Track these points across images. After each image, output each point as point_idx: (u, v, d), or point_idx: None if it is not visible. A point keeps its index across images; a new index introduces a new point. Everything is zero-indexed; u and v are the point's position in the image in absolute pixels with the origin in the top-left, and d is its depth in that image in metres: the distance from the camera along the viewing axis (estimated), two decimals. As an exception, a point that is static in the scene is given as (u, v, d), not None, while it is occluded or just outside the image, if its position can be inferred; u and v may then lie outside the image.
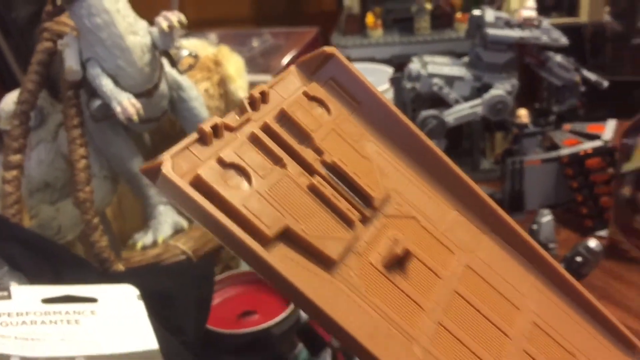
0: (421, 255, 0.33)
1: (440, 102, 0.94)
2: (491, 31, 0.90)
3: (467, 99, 0.93)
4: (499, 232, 0.37)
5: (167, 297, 0.68)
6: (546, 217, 0.87)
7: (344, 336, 0.28)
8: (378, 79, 1.09)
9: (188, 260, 0.76)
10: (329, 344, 0.71)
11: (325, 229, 0.30)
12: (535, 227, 0.86)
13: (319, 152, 0.34)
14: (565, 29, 0.96)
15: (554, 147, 0.97)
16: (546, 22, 0.93)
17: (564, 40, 0.90)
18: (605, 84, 0.94)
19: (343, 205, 0.32)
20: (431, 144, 0.38)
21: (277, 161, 0.32)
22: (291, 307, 0.71)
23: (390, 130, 0.38)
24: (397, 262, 0.32)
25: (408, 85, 0.94)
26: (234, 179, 0.29)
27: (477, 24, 0.93)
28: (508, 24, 0.91)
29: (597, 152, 0.91)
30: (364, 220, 0.33)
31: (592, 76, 0.93)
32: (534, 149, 0.97)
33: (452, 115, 0.90)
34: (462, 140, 1.11)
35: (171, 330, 0.64)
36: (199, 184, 0.28)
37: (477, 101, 0.91)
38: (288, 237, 0.29)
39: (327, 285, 0.29)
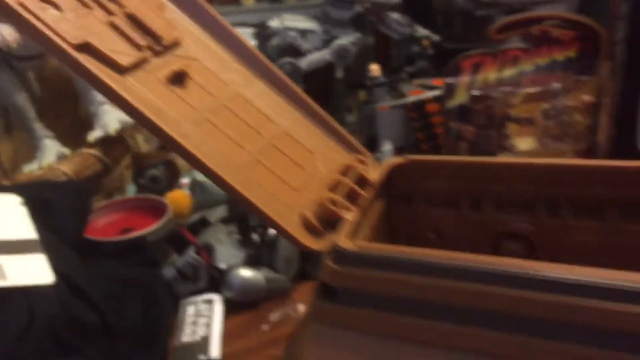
0: (199, 81, 0.46)
1: (299, 54, 1.08)
2: (335, -10, 1.06)
3: (318, 49, 1.08)
4: (267, 78, 0.51)
5: (48, 205, 0.77)
6: (387, 147, 1.03)
7: (135, 113, 0.40)
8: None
9: (69, 179, 0.85)
10: (193, 243, 0.82)
11: (119, 47, 0.43)
12: (378, 155, 1.02)
13: (122, 6, 0.46)
14: (418, 2, 1.12)
15: (403, 97, 1.13)
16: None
17: (396, -1, 1.07)
18: (436, 38, 1.11)
19: (135, 35, 0.44)
20: (220, 17, 0.51)
21: (86, 5, 0.44)
22: (163, 220, 0.82)
23: (187, 6, 0.51)
24: (178, 80, 0.45)
25: (273, 42, 1.08)
26: (49, 10, 0.41)
27: (326, -15, 1.09)
28: (349, -15, 1.07)
29: (435, 99, 1.07)
30: (155, 52, 0.45)
31: (425, 32, 1.10)
32: (384, 98, 1.12)
33: (305, 62, 1.05)
34: (330, 100, 1.27)
35: (51, 230, 0.73)
36: (21, 6, 0.40)
37: (326, 50, 1.06)
38: (89, 49, 0.41)
39: (121, 82, 0.41)
